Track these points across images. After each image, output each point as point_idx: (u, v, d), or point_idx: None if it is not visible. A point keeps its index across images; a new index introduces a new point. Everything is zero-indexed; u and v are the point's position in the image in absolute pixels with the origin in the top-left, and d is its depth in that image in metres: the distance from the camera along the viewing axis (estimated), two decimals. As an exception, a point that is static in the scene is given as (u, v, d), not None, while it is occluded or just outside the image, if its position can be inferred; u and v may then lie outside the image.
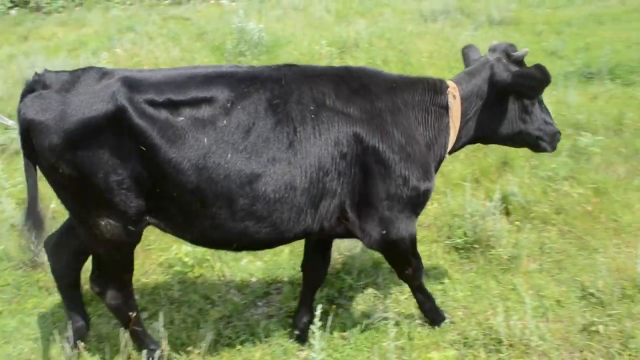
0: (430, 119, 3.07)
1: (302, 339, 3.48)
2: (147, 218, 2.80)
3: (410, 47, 8.51)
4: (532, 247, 4.29)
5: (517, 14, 10.71)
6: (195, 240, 2.97)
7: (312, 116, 2.74)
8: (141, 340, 3.18)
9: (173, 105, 2.62)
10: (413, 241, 3.13)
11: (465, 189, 4.52)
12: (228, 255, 4.33)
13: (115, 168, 2.59)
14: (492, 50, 3.21)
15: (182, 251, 4.20)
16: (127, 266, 2.99)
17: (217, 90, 2.69)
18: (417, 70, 7.31)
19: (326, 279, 3.63)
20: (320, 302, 3.74)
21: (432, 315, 3.51)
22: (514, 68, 3.13)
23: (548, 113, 3.34)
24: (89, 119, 2.55)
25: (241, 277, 4.12)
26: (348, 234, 3.05)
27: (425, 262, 4.18)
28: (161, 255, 4.40)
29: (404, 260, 3.19)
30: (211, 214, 2.71)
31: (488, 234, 4.13)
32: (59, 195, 2.81)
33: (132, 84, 2.64)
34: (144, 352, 3.09)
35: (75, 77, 2.67)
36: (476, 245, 4.14)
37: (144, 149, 2.58)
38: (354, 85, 2.90)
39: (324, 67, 3.09)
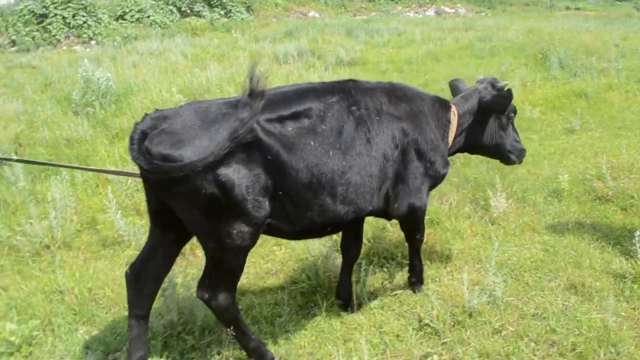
0: (439, 127, 4.01)
1: (346, 306, 4.15)
2: (268, 220, 3.21)
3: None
4: (375, 283, 4.42)
5: (363, 54, 11.37)
6: (301, 231, 3.43)
7: (377, 118, 3.51)
8: (247, 338, 3.48)
9: (284, 119, 3.17)
10: (425, 210, 3.95)
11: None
12: (61, 329, 4.02)
13: (250, 179, 3.01)
14: (480, 81, 4.31)
15: (7, 330, 3.81)
16: (241, 269, 3.37)
17: (310, 103, 3.30)
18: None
19: (360, 254, 4.22)
20: (161, 367, 3.58)
21: (418, 277, 4.31)
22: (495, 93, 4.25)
23: (517, 134, 4.44)
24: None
25: (75, 351, 3.81)
26: (381, 213, 3.77)
27: (272, 310, 4.19)
28: (-17, 337, 3.96)
29: (417, 226, 4.02)
30: (320, 202, 3.30)
31: (329, 274, 4.19)
32: (191, 215, 3.08)
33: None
34: (252, 346, 3.47)
35: (189, 110, 3.03)
36: (319, 288, 4.19)
37: (270, 157, 3.05)
38: (399, 95, 3.76)
39: (376, 82, 3.87)
